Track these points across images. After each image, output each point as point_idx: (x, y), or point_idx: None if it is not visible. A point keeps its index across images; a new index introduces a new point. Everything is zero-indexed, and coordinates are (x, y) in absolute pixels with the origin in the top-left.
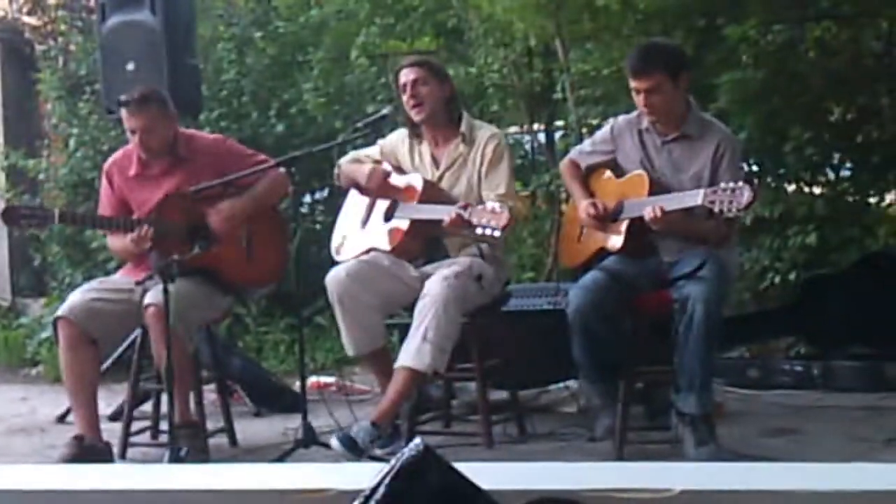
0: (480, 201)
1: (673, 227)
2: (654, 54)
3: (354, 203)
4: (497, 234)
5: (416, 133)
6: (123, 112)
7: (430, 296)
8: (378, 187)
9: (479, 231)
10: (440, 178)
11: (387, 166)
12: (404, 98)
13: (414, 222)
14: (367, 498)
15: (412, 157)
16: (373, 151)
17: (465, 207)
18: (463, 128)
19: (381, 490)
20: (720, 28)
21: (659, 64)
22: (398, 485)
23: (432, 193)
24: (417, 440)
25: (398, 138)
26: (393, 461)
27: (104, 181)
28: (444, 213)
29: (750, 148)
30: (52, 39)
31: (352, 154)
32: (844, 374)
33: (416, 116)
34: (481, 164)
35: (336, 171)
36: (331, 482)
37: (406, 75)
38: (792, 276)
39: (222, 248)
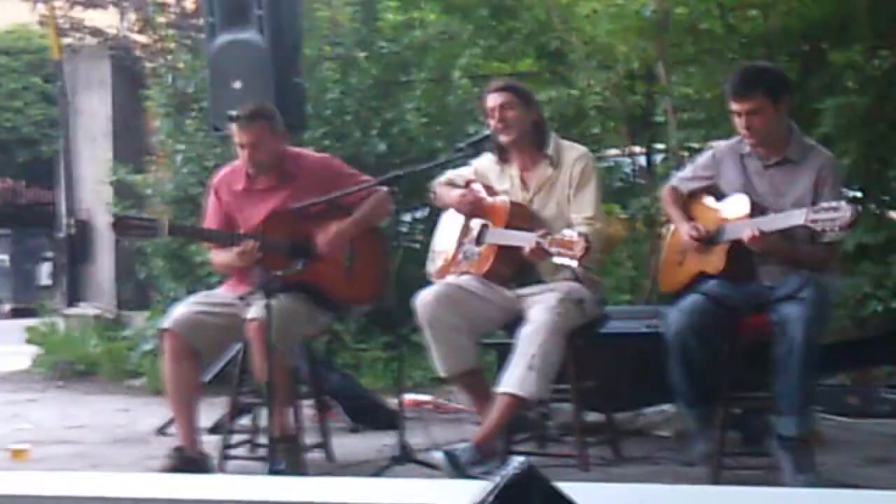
0: (569, 224)
1: (772, 249)
2: (755, 76)
3: (450, 223)
4: (574, 263)
5: (504, 157)
6: (234, 127)
7: (537, 323)
8: (470, 211)
9: (556, 260)
10: (530, 201)
11: (478, 188)
12: (492, 122)
13: (501, 247)
14: None
15: (502, 180)
16: (466, 172)
17: (544, 236)
18: (550, 150)
19: None
20: (825, 53)
21: (760, 86)
22: (503, 502)
23: (521, 216)
24: (521, 458)
25: (489, 161)
26: (497, 478)
27: (211, 195)
28: (525, 242)
29: (853, 174)
30: (162, 57)
31: (446, 174)
32: None
33: (503, 140)
34: (569, 186)
35: (431, 191)
36: (429, 498)
37: (493, 100)
38: (894, 304)
39: (324, 266)
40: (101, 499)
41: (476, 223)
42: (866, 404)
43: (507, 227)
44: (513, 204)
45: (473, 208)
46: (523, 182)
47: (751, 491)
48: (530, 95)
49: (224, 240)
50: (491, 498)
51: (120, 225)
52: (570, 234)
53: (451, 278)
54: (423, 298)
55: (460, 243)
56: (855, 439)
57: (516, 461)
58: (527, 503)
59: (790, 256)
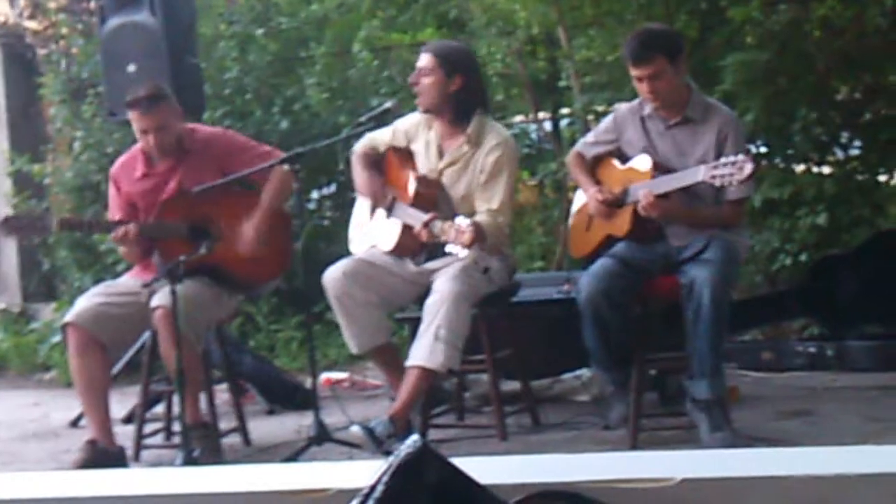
0: (472, 212)
1: (670, 211)
2: (652, 40)
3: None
4: (463, 253)
5: (430, 120)
6: (133, 113)
7: (439, 293)
8: (374, 194)
9: (447, 248)
10: (442, 171)
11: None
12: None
13: (406, 224)
14: (366, 496)
15: (421, 142)
16: (385, 134)
17: (433, 220)
18: (470, 129)
19: (380, 488)
20: (724, 10)
21: (658, 49)
22: (396, 482)
23: (428, 194)
24: (415, 436)
25: (415, 120)
26: (391, 458)
27: (111, 186)
28: (419, 222)
29: (757, 129)
30: (54, 43)
31: (366, 137)
32: (858, 354)
33: (417, 103)
34: (481, 171)
35: (348, 155)
36: (330, 482)
37: (419, 59)
38: (803, 258)
39: (225, 246)
40: (12, 501)
41: (387, 196)
42: (780, 358)
43: (412, 204)
44: (421, 182)
45: (380, 189)
46: (440, 150)
47: (658, 455)
48: (459, 64)
49: (115, 229)
50: (385, 478)
51: (8, 226)
52: (461, 222)
53: (359, 253)
54: (332, 274)
55: (372, 215)
56: (770, 394)
57: (410, 439)
58: (421, 480)
59: (690, 217)
